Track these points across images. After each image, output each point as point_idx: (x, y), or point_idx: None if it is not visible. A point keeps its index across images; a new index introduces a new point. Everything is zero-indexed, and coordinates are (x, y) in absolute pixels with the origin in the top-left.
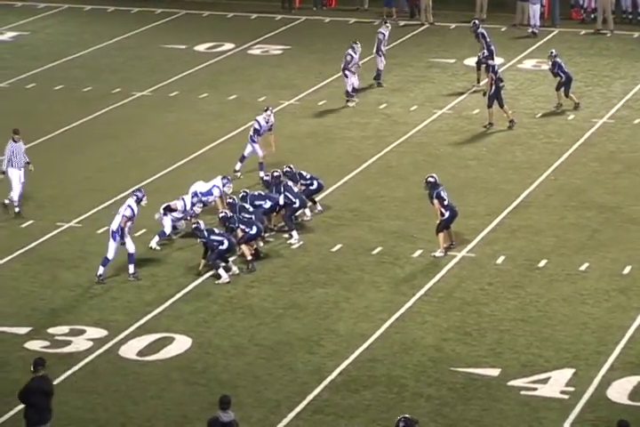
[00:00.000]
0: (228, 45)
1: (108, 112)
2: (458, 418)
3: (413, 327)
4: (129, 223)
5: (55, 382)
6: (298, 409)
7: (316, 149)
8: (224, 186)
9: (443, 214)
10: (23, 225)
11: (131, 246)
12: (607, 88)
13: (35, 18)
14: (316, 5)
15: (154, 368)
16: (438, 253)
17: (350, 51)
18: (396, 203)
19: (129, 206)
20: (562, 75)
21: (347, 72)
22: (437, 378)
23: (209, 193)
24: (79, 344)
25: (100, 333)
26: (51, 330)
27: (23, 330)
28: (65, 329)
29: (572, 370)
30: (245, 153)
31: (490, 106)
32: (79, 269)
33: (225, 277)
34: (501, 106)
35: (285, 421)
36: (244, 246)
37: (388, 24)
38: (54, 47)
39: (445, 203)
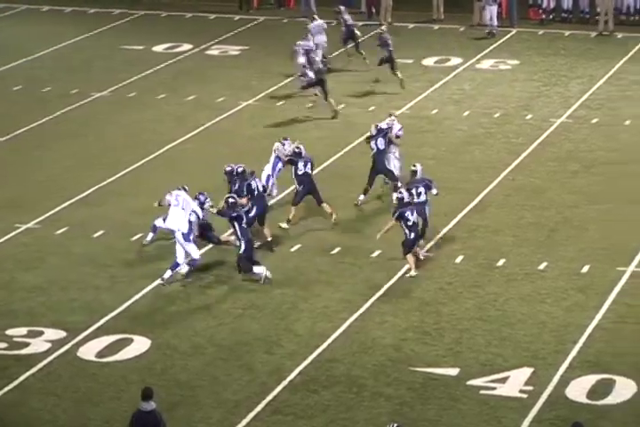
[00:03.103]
0: (187, 46)
1: (67, 113)
2: (417, 418)
3: (372, 327)
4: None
5: (13, 384)
6: (257, 409)
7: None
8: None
9: (406, 234)
10: None
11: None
12: (565, 88)
13: None
14: (280, 6)
15: (112, 369)
16: (413, 273)
17: (302, 40)
18: (354, 203)
19: (194, 212)
20: (387, 53)
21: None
22: (396, 378)
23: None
24: (37, 346)
25: (58, 334)
26: (9, 331)
27: None
28: (23, 331)
29: (531, 369)
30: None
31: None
32: (38, 270)
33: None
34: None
35: (244, 421)
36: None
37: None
38: (12, 48)
39: (410, 223)
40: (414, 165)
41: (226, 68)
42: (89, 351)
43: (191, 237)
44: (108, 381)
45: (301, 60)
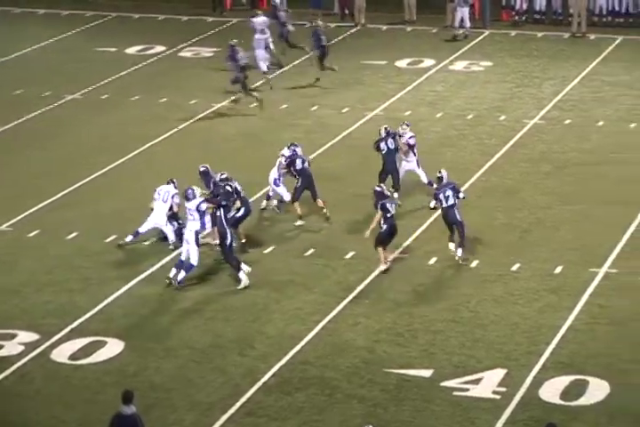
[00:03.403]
0: (160, 48)
1: (40, 115)
2: (390, 419)
3: (345, 329)
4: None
5: None
6: (230, 412)
7: (248, 152)
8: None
9: (381, 227)
10: None
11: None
12: (538, 89)
13: None
14: (253, 8)
15: (86, 372)
16: (382, 267)
17: (259, 33)
18: (328, 205)
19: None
20: (318, 48)
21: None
22: (370, 379)
23: None
24: (11, 348)
25: (31, 337)
26: None
27: None
28: None
29: (504, 370)
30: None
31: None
32: (11, 272)
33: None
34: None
35: (218, 423)
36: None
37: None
38: None
39: (389, 215)
40: (440, 172)
41: (199, 70)
42: (62, 354)
43: (198, 240)
44: (81, 383)
45: (260, 52)
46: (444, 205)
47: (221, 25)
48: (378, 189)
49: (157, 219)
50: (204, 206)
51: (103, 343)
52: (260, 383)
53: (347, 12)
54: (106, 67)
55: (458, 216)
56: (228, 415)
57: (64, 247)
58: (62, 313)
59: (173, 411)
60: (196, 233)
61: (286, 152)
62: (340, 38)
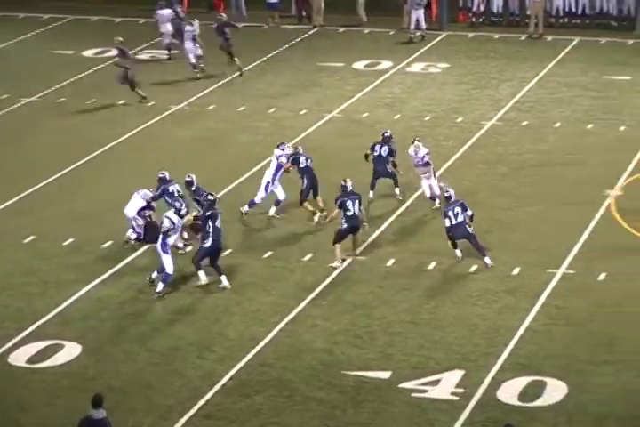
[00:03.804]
0: (116, 50)
1: None
2: (349, 421)
3: (304, 331)
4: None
5: None
6: (189, 414)
7: (206, 154)
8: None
9: (342, 224)
10: None
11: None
12: (495, 90)
13: None
14: (210, 10)
15: (44, 375)
16: (335, 264)
17: (187, 26)
18: (285, 207)
19: (167, 217)
20: (224, 41)
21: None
22: (328, 381)
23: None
24: None
25: None
26: None
27: None
28: None
29: (462, 371)
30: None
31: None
32: None
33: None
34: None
35: (177, 426)
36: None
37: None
38: None
39: (349, 214)
40: (447, 191)
41: (156, 73)
42: (20, 357)
43: (167, 248)
44: (39, 387)
45: (189, 44)
46: (454, 222)
47: (178, 27)
48: (342, 183)
49: (131, 210)
50: (175, 220)
51: (61, 347)
52: (218, 386)
53: (304, 14)
54: (63, 69)
55: (470, 230)
56: (186, 418)
57: (21, 251)
58: (20, 317)
59: (132, 414)
60: (161, 244)
61: (281, 152)
62: (297, 40)
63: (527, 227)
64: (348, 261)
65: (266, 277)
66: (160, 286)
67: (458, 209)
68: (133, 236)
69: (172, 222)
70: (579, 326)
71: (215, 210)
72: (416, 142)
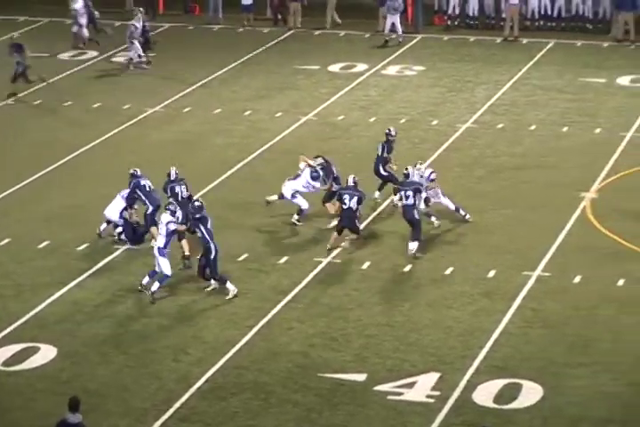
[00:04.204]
0: (92, 53)
1: None
2: (325, 424)
3: (279, 334)
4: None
5: None
6: (164, 417)
7: (182, 157)
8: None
9: (339, 217)
10: None
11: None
12: (470, 93)
13: None
14: (186, 13)
15: (19, 378)
16: (327, 246)
17: (134, 21)
18: (262, 210)
19: (165, 222)
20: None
21: (132, 41)
22: (304, 384)
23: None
24: None
25: None
26: None
27: None
28: None
29: (438, 374)
30: None
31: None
32: None
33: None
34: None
35: None
36: (184, 241)
37: (139, 15)
38: None
39: (344, 207)
40: (406, 169)
41: (131, 75)
42: None
43: (165, 252)
44: (14, 390)
45: (136, 44)
46: (404, 202)
47: (154, 30)
48: (347, 178)
49: (112, 213)
50: (172, 226)
51: (37, 349)
52: (194, 389)
53: (279, 16)
54: (38, 72)
55: (416, 215)
56: (161, 421)
57: None
58: None
59: (108, 417)
60: (159, 248)
61: (313, 162)
62: (272, 43)
63: (503, 229)
64: (335, 253)
65: (241, 280)
66: (155, 286)
67: (410, 193)
68: (119, 229)
69: (169, 231)
70: (554, 329)
71: (205, 214)
72: (418, 166)
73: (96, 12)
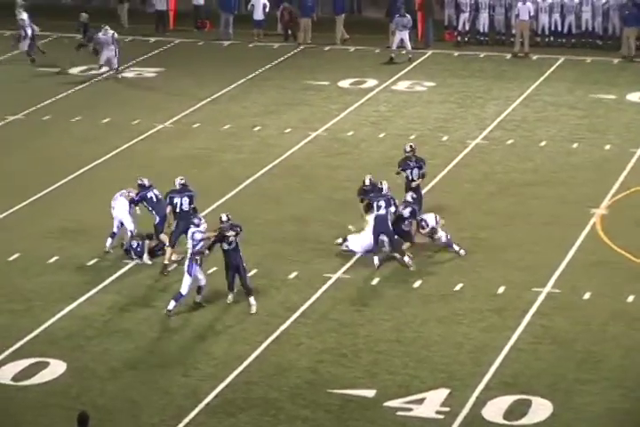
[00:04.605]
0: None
1: None
2: None
3: (289, 349)
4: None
5: None
6: None
7: (191, 172)
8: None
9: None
10: None
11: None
12: (480, 109)
13: None
14: (196, 28)
15: (29, 393)
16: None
17: (100, 33)
18: (270, 225)
19: (193, 239)
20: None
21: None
22: (313, 400)
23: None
24: None
25: None
26: None
27: None
28: None
29: (448, 390)
30: None
31: None
32: None
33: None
34: None
35: None
36: (163, 235)
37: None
38: None
39: (375, 212)
40: (380, 182)
41: (141, 91)
42: (5, 375)
43: (192, 270)
44: (24, 404)
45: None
46: (376, 212)
47: (164, 45)
48: (367, 182)
49: (119, 211)
50: (198, 236)
51: (46, 364)
52: (203, 404)
53: (289, 32)
54: (47, 87)
55: (390, 226)
56: None
57: (6, 269)
58: (5, 334)
59: None
60: (188, 266)
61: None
62: (282, 58)
63: (513, 246)
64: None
65: None
66: (171, 305)
67: (382, 203)
68: (134, 244)
69: (197, 241)
70: (564, 345)
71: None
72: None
73: (35, 27)
